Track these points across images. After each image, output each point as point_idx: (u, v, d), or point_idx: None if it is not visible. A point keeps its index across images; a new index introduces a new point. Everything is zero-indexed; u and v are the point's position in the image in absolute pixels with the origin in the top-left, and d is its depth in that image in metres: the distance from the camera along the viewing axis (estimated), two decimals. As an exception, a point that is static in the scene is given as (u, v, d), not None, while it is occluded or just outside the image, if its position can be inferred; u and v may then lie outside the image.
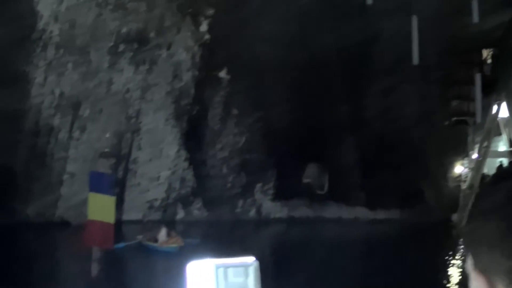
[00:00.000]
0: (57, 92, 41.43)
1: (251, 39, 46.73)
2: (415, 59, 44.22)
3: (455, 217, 43.31)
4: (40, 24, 40.12)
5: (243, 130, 47.72)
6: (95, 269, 23.40)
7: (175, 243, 31.75)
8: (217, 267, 2.24)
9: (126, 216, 44.66)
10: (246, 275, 2.42)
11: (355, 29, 46.38)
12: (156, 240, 32.32)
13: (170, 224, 40.71)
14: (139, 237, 33.69)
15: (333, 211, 48.56)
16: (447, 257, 31.35)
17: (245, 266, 2.36)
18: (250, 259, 2.26)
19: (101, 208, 23.57)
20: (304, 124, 48.28)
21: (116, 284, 24.31)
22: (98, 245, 23.54)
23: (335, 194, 49.15)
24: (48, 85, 40.96)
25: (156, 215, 46.08)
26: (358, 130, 47.30)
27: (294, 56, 47.38)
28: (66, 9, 40.64)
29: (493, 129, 46.37)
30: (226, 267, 2.27)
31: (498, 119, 46.48)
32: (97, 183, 23.82)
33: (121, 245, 30.67)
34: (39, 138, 41.17)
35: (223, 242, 37.15)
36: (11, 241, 36.57)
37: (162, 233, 32.34)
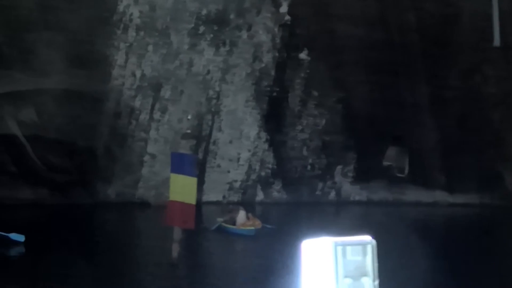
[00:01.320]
0: (138, 74, 41.64)
1: (331, 19, 46.32)
2: (496, 40, 43.26)
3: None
4: (120, 7, 40.35)
5: (323, 112, 47.27)
6: (175, 249, 23.44)
7: (252, 226, 31.39)
8: (336, 245, 2.04)
9: (206, 198, 45.04)
10: (364, 253, 2.28)
11: (436, 9, 45.75)
12: (234, 223, 31.95)
13: (249, 206, 40.72)
14: (219, 219, 33.24)
15: (412, 194, 47.66)
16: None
17: (363, 244, 2.20)
18: (367, 238, 2.09)
19: (182, 189, 23.50)
20: (384, 106, 47.74)
21: (194, 264, 24.38)
22: (180, 225, 23.52)
23: (414, 177, 48.54)
24: (129, 67, 41.20)
25: (235, 197, 46.07)
26: (438, 112, 46.58)
27: (374, 36, 46.85)
28: (146, -9, 40.90)
29: None
30: (345, 245, 2.07)
31: None
32: (179, 164, 23.76)
33: (214, 226, 31.67)
34: (120, 120, 41.51)
35: (305, 225, 37.11)
36: (92, 220, 37.23)
37: (241, 216, 32.03)
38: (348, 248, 2.24)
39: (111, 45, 40.16)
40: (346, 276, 2.71)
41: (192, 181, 23.46)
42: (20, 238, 23.60)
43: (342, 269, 2.55)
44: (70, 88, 39.20)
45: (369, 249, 2.23)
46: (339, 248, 2.19)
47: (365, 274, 2.79)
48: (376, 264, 2.16)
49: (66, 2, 38.02)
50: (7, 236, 23.76)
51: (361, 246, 2.22)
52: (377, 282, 2.88)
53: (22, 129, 39.46)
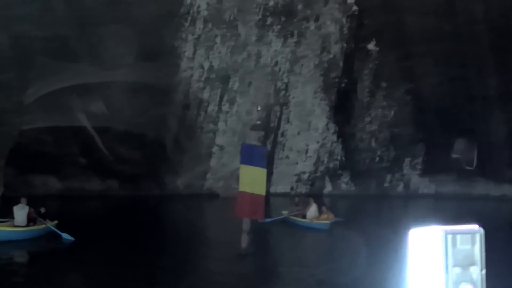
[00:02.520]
0: (206, 65, 41.63)
1: (399, 10, 45.83)
2: None
3: None
4: (188, -1, 40.61)
5: (392, 103, 46.76)
6: (245, 240, 23.41)
7: (327, 219, 29.69)
8: (446, 233, 1.92)
9: (274, 189, 44.69)
10: (473, 242, 2.16)
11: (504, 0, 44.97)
12: (304, 216, 30.39)
13: (318, 198, 40.50)
14: (284, 212, 31.85)
15: (481, 187, 46.59)
16: None
17: (472, 233, 2.08)
18: (475, 227, 1.95)
19: (252, 180, 23.35)
20: (453, 98, 47.02)
21: (264, 255, 24.32)
22: (249, 216, 23.45)
23: (483, 170, 47.80)
24: (197, 59, 41.14)
25: (303, 188, 45.39)
26: (508, 104, 45.80)
27: (442, 27, 46.23)
28: (213, -17, 40.95)
29: None
30: (455, 233, 1.95)
31: None
32: (249, 155, 23.62)
33: (270, 219, 29.63)
34: (188, 111, 41.62)
35: (375, 218, 36.80)
36: (161, 212, 37.49)
37: (313, 209, 30.44)
38: (458, 237, 2.16)
39: (179, 37, 40.18)
40: (455, 266, 2.64)
41: (262, 172, 23.33)
42: (70, 239, 24.03)
43: (452, 258, 2.48)
44: (138, 80, 39.42)
45: (477, 238, 2.15)
46: (449, 237, 2.12)
47: (473, 263, 2.69)
48: (483, 254, 2.11)
49: (135, -6, 38.41)
50: (60, 235, 24.20)
51: (470, 235, 2.15)
52: (484, 272, 2.81)
53: (92, 121, 39.86)
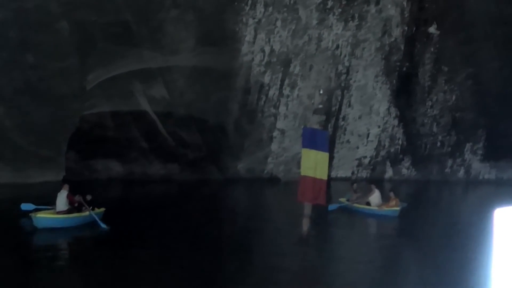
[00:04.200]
0: (267, 49, 41.25)
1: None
2: None
3: None
4: (248, -17, 40.25)
5: (454, 88, 45.92)
6: (306, 224, 23.18)
7: (395, 206, 28.50)
8: None
9: (335, 173, 43.93)
10: None
11: None
12: (367, 203, 29.23)
13: (379, 183, 39.95)
14: (342, 199, 30.27)
15: (543, 173, 46.94)
16: None
17: None
18: None
19: (314, 164, 22.98)
20: (514, 83, 46.31)
21: (328, 241, 24.05)
22: (311, 201, 23.12)
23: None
24: (258, 43, 40.80)
25: (364, 173, 44.37)
26: None
27: (503, 10, 45.33)
28: (273, -34, 40.60)
29: None
30: None
31: None
32: (311, 139, 23.25)
33: (334, 206, 28.69)
34: (249, 96, 41.38)
35: (444, 203, 36.12)
36: (223, 196, 37.40)
37: (376, 195, 29.26)
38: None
39: (240, 21, 39.84)
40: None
41: (324, 156, 22.95)
42: (105, 228, 23.77)
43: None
44: (199, 65, 39.25)
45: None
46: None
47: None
48: None
49: (195, -21, 38.28)
50: (98, 224, 23.90)
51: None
52: None
53: (153, 106, 39.86)
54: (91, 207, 24.19)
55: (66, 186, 24.15)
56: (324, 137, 23.26)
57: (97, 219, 23.63)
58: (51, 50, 34.70)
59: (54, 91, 35.33)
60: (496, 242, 3.49)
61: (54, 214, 23.48)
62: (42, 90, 34.87)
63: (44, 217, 22.93)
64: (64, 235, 22.06)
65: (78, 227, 23.32)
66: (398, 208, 28.17)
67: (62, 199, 23.78)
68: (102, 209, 24.64)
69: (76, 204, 23.96)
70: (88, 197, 24.55)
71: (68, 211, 23.70)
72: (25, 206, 24.86)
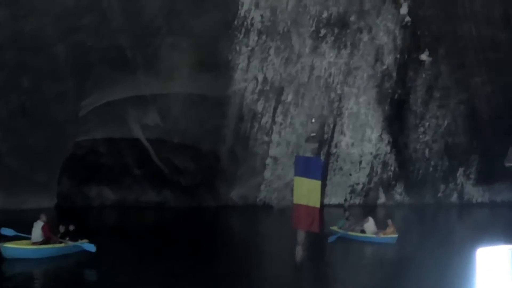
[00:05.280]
0: (260, 77, 41.50)
1: (452, 19, 45.43)
2: None
3: None
4: (242, 11, 40.53)
5: (446, 113, 46.25)
6: (299, 252, 23.35)
7: (393, 233, 28.52)
8: None
9: (328, 200, 44.00)
10: None
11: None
12: (362, 231, 29.29)
13: (372, 209, 40.27)
14: (333, 228, 30.10)
15: (535, 195, 47.30)
16: None
17: None
18: None
19: (307, 192, 23.29)
20: (506, 106, 46.62)
21: (323, 268, 24.19)
22: (305, 228, 23.39)
23: (537, 178, 47.50)
24: (251, 71, 41.02)
25: (357, 199, 44.77)
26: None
27: (495, 36, 45.79)
28: (267, -5, 41.01)
29: None
30: None
31: None
32: (303, 167, 23.50)
33: (333, 238, 28.37)
34: (243, 123, 41.57)
35: (435, 229, 36.27)
36: (216, 223, 37.52)
37: (370, 223, 29.43)
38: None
39: (233, 49, 40.13)
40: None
41: (317, 184, 23.24)
42: (91, 248, 23.29)
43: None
44: (193, 92, 39.54)
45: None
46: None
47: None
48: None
49: (189, 7, 38.51)
50: (80, 246, 23.40)
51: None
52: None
53: (147, 133, 40.05)
54: (68, 238, 23.65)
55: (43, 216, 23.68)
56: (317, 164, 23.51)
57: (78, 244, 23.21)
58: (47, 74, 35.09)
59: (49, 116, 35.63)
60: (479, 282, 3.77)
61: (27, 245, 23.08)
62: (37, 114, 35.19)
63: (11, 247, 22.48)
64: (35, 266, 21.73)
65: (54, 258, 22.78)
66: (395, 235, 28.31)
67: (37, 230, 23.38)
68: (85, 241, 23.97)
69: (51, 237, 23.46)
70: (71, 228, 24.17)
71: (43, 242, 23.23)
72: (5, 231, 24.46)
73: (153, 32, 37.26)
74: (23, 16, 34.17)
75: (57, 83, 35.73)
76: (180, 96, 38.48)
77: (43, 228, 23.29)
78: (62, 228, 24.06)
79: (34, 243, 23.16)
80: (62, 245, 23.46)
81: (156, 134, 38.95)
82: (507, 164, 46.43)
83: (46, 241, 23.32)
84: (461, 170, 46.33)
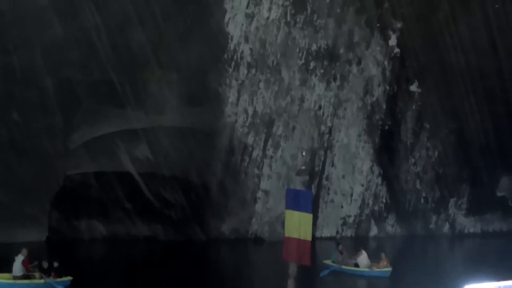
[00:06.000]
0: (250, 110, 41.75)
1: (440, 49, 45.81)
2: None
3: None
4: (231, 45, 40.88)
5: (436, 144, 46.56)
6: (291, 286, 23.34)
7: (387, 267, 28.83)
8: None
9: (319, 233, 44.38)
10: None
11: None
12: (356, 264, 29.47)
13: (364, 241, 40.37)
14: (326, 261, 30.52)
15: (527, 225, 47.49)
16: None
17: None
18: None
19: (298, 225, 23.39)
20: (497, 135, 46.85)
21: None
22: (296, 262, 23.42)
23: (530, 207, 47.59)
24: (241, 104, 41.22)
25: (349, 232, 45.29)
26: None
27: (484, 64, 46.12)
28: (256, 29, 41.02)
29: None
30: None
31: None
32: (294, 201, 23.57)
33: (325, 272, 28.76)
34: (233, 156, 41.74)
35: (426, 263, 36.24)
36: (207, 256, 37.57)
37: (364, 257, 29.62)
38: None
39: (223, 82, 40.51)
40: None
41: (308, 217, 23.32)
42: (66, 283, 23.24)
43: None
44: (183, 125, 39.75)
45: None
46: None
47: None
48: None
49: (179, 40, 38.79)
50: (59, 284, 23.35)
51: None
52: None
53: (137, 166, 40.24)
54: (48, 275, 23.65)
55: (25, 251, 23.75)
56: (308, 197, 23.52)
57: (55, 285, 23.11)
58: (36, 108, 35.23)
59: (39, 149, 35.80)
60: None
61: (8, 279, 23.19)
62: (27, 147, 35.35)
63: None
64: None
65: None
66: (389, 269, 28.29)
67: (18, 264, 23.52)
68: (69, 278, 24.09)
69: (30, 271, 23.43)
70: (55, 264, 24.26)
71: (23, 277, 23.27)
72: None
73: (142, 65, 37.47)
74: (12, 49, 34.44)
75: (47, 116, 35.89)
76: (170, 129, 38.60)
77: (23, 262, 23.36)
78: (45, 264, 24.19)
79: (15, 277, 23.30)
80: (41, 281, 23.63)
81: (147, 167, 39.00)
82: (499, 194, 46.60)
83: (26, 275, 23.32)
84: (452, 201, 46.42)
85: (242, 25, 39.80)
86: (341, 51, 41.86)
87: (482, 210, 46.98)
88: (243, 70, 39.81)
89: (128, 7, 37.22)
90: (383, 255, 29.46)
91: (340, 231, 43.95)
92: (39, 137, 35.56)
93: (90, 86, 36.35)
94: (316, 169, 42.69)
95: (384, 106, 43.72)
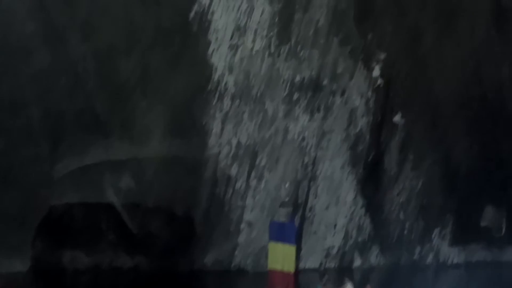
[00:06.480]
0: (234, 142, 41.99)
1: (425, 79, 46.17)
2: None
3: None
4: (215, 76, 41.14)
5: (420, 174, 46.84)
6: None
7: None
8: None
9: (303, 264, 44.54)
10: None
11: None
12: None
13: (347, 272, 40.37)
14: None
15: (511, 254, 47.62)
16: None
17: None
18: None
19: (281, 257, 23.60)
20: (481, 165, 47.14)
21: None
22: (280, 294, 23.54)
23: (513, 236, 47.77)
24: (225, 135, 41.53)
25: (333, 263, 45.65)
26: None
27: (469, 93, 46.48)
28: (240, 60, 41.40)
29: None
30: None
31: None
32: (278, 233, 23.85)
33: None
34: (217, 188, 41.95)
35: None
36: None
37: None
38: None
39: (207, 113, 40.82)
40: None
41: (291, 249, 23.55)
42: None
43: None
44: (168, 156, 39.91)
45: None
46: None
47: None
48: None
49: (164, 71, 39.01)
50: None
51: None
52: None
53: (120, 197, 40.25)
54: None
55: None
56: (291, 229, 23.89)
57: None
58: (22, 136, 35.18)
59: (23, 178, 35.77)
60: None
61: None
62: (11, 176, 35.23)
63: None
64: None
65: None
66: None
67: None
68: None
69: None
70: None
71: None
72: None
73: (128, 95, 37.55)
74: (-4, 77, 34.48)
75: (32, 145, 35.87)
76: (154, 160, 38.67)
77: None
78: None
79: None
80: None
81: (130, 198, 39.01)
82: (483, 224, 46.74)
83: None
84: (436, 231, 46.57)
85: (226, 56, 40.05)
86: (325, 82, 42.13)
87: (466, 240, 47.16)
88: (227, 101, 40.01)
89: (115, 36, 37.43)
90: (368, 287, 29.35)
91: (323, 262, 43.98)
92: (24, 166, 35.52)
93: (76, 115, 36.42)
94: (300, 200, 42.79)
95: (368, 137, 43.96)
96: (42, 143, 36.44)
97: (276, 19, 41.17)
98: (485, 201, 45.93)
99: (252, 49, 41.09)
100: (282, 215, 36.52)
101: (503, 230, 46.89)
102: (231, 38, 40.73)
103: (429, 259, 47.24)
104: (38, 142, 36.23)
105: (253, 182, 41.72)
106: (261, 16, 40.60)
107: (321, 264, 44.32)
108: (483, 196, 45.50)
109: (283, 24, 41.38)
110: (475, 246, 47.56)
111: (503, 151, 45.42)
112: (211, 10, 40.04)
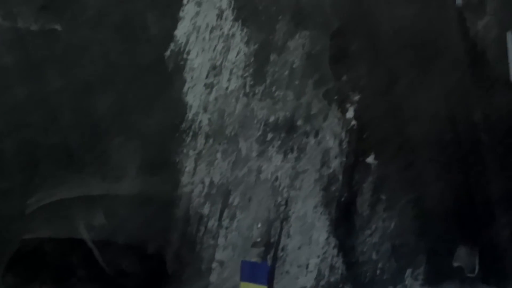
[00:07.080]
0: (207, 181, 42.19)
1: (399, 121, 46.53)
2: None
3: None
4: (190, 114, 41.27)
5: (393, 214, 47.05)
6: None
7: None
8: None
9: (274, 304, 44.84)
10: None
11: (504, 105, 45.68)
12: None
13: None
14: None
15: (485, 294, 47.82)
16: None
17: None
18: None
19: (252, 298, 23.70)
20: (454, 205, 47.32)
21: None
22: (250, 336, 23.58)
23: (486, 276, 47.62)
24: (198, 174, 41.82)
25: (305, 303, 45.82)
26: (510, 208, 45.96)
27: (443, 136, 46.81)
28: (215, 99, 41.60)
29: None
30: None
31: None
32: (249, 273, 23.91)
33: None
34: (189, 226, 41.93)
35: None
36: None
37: None
38: None
39: (180, 152, 40.92)
40: None
41: (262, 290, 23.66)
42: None
43: None
44: (140, 193, 39.82)
45: None
46: None
47: None
48: None
49: (140, 108, 39.03)
50: None
51: None
52: None
53: (92, 233, 40.05)
54: None
55: None
56: (263, 270, 24.04)
57: None
58: (-7, 170, 35.10)
59: (-7, 213, 35.52)
60: None
61: None
62: (-19, 210, 35.04)
63: None
64: None
65: None
66: None
67: None
68: None
69: None
70: None
71: None
72: None
73: (102, 131, 37.54)
74: (-31, 110, 34.50)
75: (3, 179, 35.65)
76: (127, 197, 38.53)
77: None
78: None
79: None
80: None
81: (102, 235, 38.70)
82: (455, 264, 46.89)
83: None
84: (409, 271, 46.46)
85: (201, 95, 40.20)
86: (299, 122, 42.27)
87: (439, 279, 47.06)
88: (200, 140, 40.02)
89: (91, 73, 37.44)
90: None
91: (295, 302, 43.96)
92: (-5, 200, 35.41)
93: (49, 150, 36.18)
94: (272, 240, 42.75)
95: (341, 178, 44.07)
96: (15, 176, 36.32)
97: (252, 60, 41.43)
98: (458, 241, 46.06)
99: (227, 88, 41.35)
100: (254, 255, 36.49)
101: (476, 270, 46.96)
102: (207, 77, 40.95)
103: (402, 300, 47.41)
104: (10, 176, 36.10)
105: (225, 222, 41.68)
106: (236, 56, 40.88)
107: (293, 304, 44.33)
108: (456, 236, 45.66)
109: (259, 65, 41.64)
110: (448, 286, 47.58)
111: (475, 193, 45.75)
112: (187, 49, 40.25)
